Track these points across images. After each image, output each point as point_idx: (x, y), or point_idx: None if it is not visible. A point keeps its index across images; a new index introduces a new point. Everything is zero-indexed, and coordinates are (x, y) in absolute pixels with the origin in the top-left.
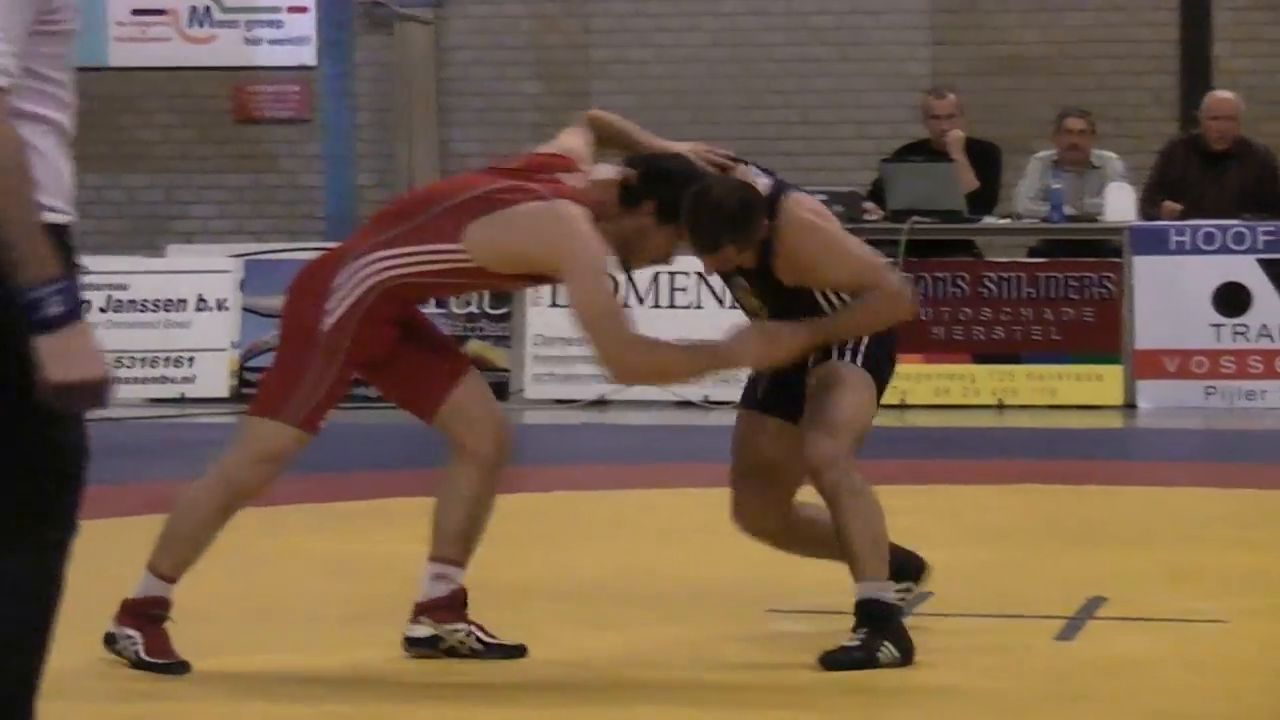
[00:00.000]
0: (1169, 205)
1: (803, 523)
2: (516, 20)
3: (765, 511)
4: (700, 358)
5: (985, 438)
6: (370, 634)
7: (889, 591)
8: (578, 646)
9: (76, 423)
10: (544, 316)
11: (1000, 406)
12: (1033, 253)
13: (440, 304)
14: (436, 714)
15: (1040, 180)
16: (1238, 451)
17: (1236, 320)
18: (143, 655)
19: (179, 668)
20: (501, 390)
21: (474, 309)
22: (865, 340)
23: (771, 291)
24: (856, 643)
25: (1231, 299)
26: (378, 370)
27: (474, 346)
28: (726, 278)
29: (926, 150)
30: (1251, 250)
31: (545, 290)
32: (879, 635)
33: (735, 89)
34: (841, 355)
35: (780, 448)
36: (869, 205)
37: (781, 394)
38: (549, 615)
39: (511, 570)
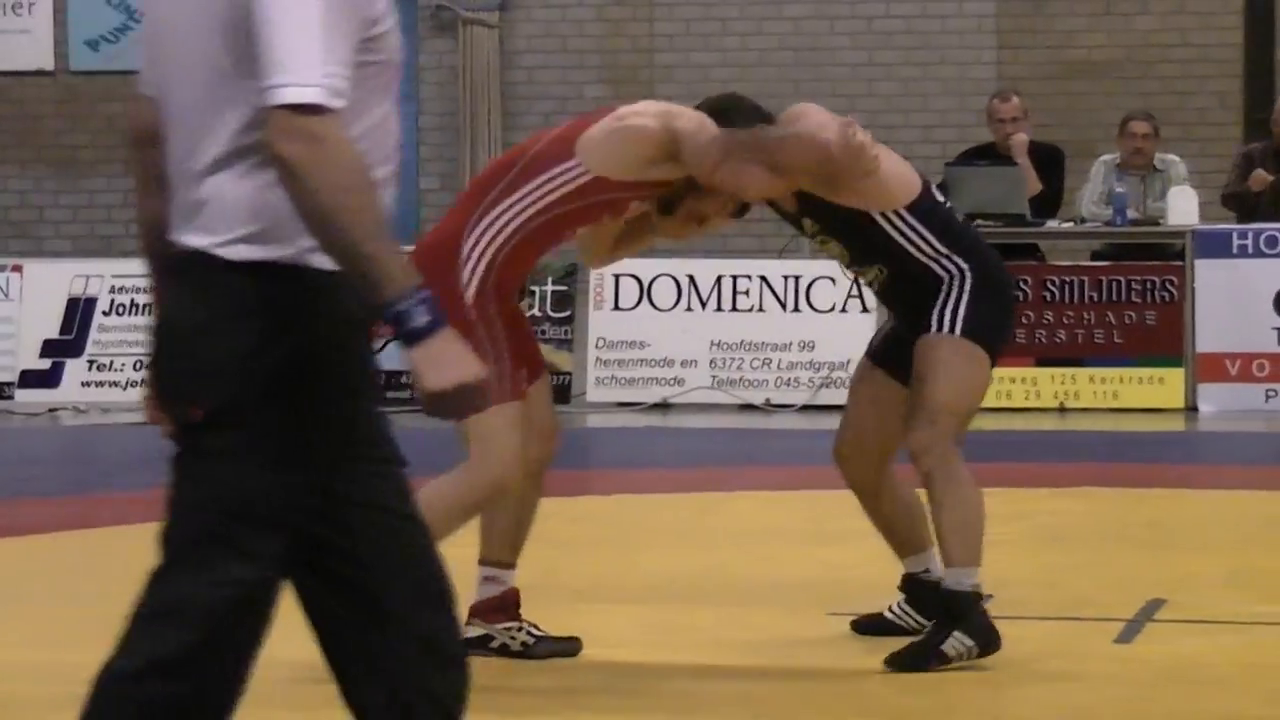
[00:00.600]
0: (1259, 175)
1: (896, 498)
2: (582, 24)
3: (863, 461)
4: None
5: (1047, 441)
6: None
7: (970, 580)
8: (641, 649)
9: None
10: (606, 319)
11: (1062, 409)
12: (1096, 256)
13: None
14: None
15: (1104, 184)
16: None
17: None
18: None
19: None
20: (564, 393)
21: (536, 312)
22: (964, 303)
23: (836, 227)
24: (923, 637)
25: None
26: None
27: None
28: (797, 225)
29: (991, 154)
30: None
31: (608, 294)
32: (949, 626)
33: (801, 93)
34: (940, 326)
35: (883, 401)
36: None
37: (895, 348)
38: (612, 617)
39: (575, 574)
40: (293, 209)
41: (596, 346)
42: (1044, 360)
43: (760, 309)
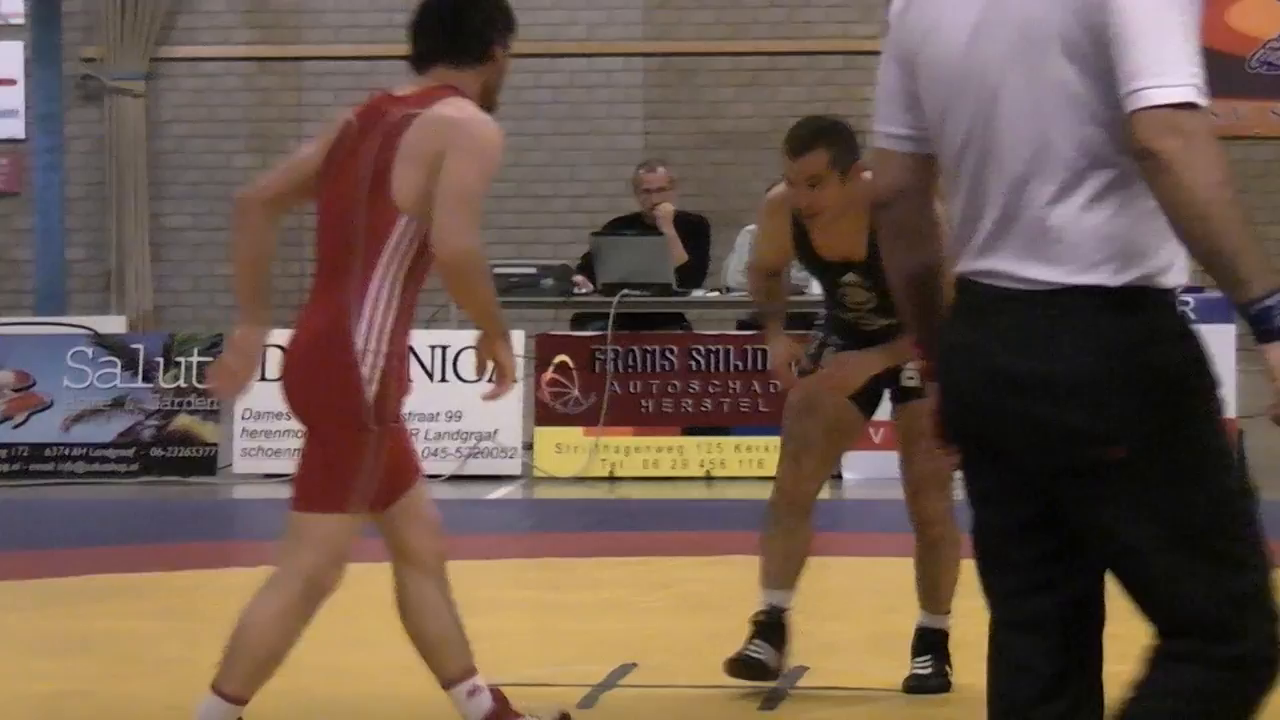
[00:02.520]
0: None
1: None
2: (230, 93)
3: (813, 481)
4: (497, 324)
5: (695, 509)
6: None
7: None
8: None
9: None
10: (254, 390)
11: (709, 478)
12: (742, 325)
13: (148, 378)
14: None
15: (750, 253)
16: None
17: None
18: None
19: None
20: (210, 465)
21: (182, 383)
22: None
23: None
24: (928, 670)
25: None
26: None
27: (183, 421)
28: (835, 275)
29: (639, 223)
30: None
31: None
32: (942, 660)
33: None
34: None
35: (834, 422)
36: (579, 279)
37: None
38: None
39: (219, 648)
40: (1163, 207)
41: (243, 418)
42: (690, 429)
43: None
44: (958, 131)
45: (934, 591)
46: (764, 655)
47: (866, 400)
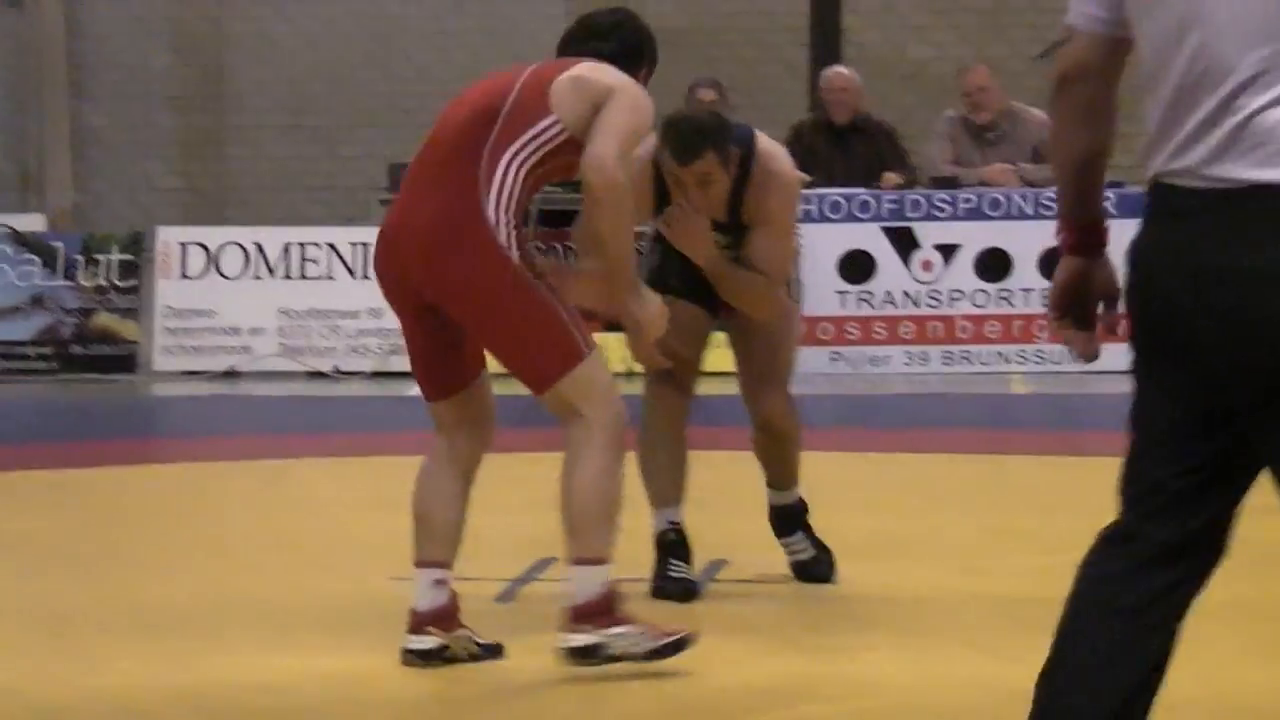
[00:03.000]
0: (889, 178)
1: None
2: None
3: (688, 395)
4: (626, 273)
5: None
6: None
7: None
8: (203, 619)
9: None
10: (174, 288)
11: (630, 375)
12: None
13: (68, 276)
14: None
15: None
16: (864, 417)
17: (861, 287)
18: (653, 644)
19: (689, 639)
20: (130, 362)
21: (102, 281)
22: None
23: (738, 240)
24: (807, 553)
25: (856, 266)
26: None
27: (102, 319)
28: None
29: None
30: (876, 219)
31: (175, 262)
32: (809, 533)
33: (372, 63)
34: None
35: (694, 331)
36: None
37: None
38: (173, 585)
39: (137, 543)
40: None
41: (164, 315)
42: (612, 325)
43: (329, 277)
44: (1169, 24)
45: (784, 470)
46: (686, 572)
47: (710, 305)
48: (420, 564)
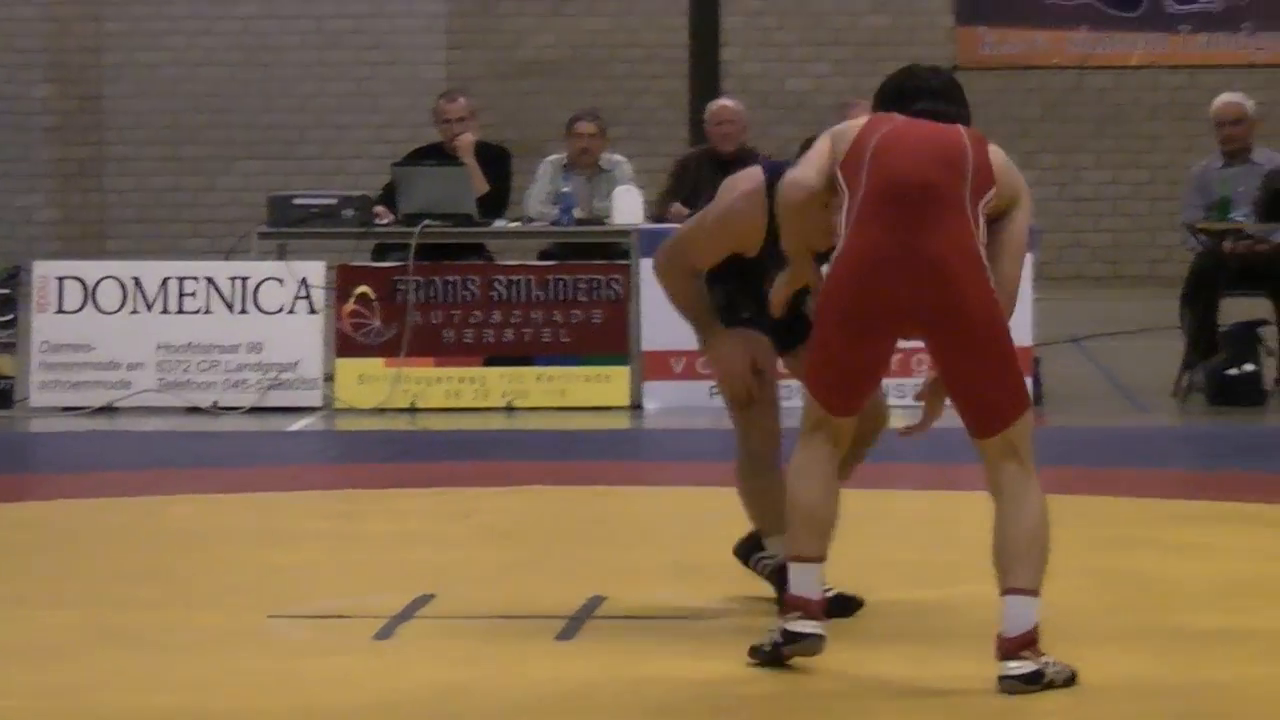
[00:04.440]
0: (678, 209)
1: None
2: (29, 23)
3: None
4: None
5: (496, 440)
6: None
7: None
8: (77, 655)
9: None
10: (50, 322)
11: (511, 408)
12: (543, 255)
13: None
14: None
15: (551, 183)
16: (722, 452)
17: None
18: (1072, 672)
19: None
20: (6, 398)
21: None
22: None
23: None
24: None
25: None
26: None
27: None
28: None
29: (439, 154)
30: None
31: (51, 296)
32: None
33: (252, 92)
34: None
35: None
36: (380, 209)
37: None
38: (51, 620)
39: (15, 580)
40: None
41: (40, 350)
42: (492, 360)
43: (208, 311)
44: None
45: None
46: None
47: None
48: (811, 559)
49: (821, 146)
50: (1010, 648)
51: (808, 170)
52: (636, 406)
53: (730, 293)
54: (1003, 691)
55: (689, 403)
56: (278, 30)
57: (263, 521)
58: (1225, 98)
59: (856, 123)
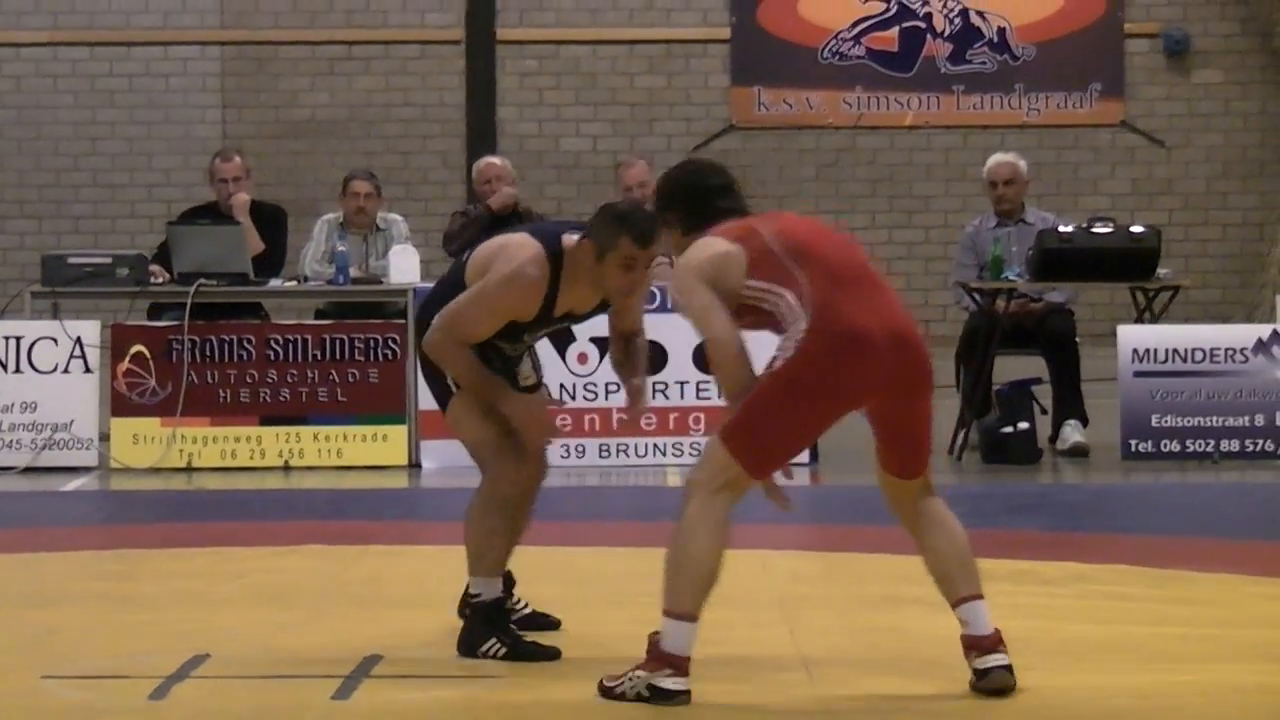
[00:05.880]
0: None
1: None
2: None
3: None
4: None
5: (272, 499)
6: None
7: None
8: None
9: None
10: None
11: (287, 468)
12: (320, 315)
13: None
14: None
15: (326, 242)
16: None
17: None
18: None
19: None
20: None
21: None
22: None
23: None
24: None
25: None
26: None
27: None
28: (550, 325)
29: (215, 213)
30: None
31: None
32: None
33: (22, 151)
34: None
35: None
36: (154, 268)
37: None
38: None
39: None
40: None
41: None
42: (268, 419)
43: (65, 370)
44: None
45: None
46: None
47: None
48: (695, 619)
49: (703, 297)
50: (990, 643)
51: (721, 330)
52: (415, 465)
53: (480, 349)
54: (995, 685)
55: (468, 461)
56: (49, 89)
57: (35, 583)
58: (998, 158)
59: (720, 245)
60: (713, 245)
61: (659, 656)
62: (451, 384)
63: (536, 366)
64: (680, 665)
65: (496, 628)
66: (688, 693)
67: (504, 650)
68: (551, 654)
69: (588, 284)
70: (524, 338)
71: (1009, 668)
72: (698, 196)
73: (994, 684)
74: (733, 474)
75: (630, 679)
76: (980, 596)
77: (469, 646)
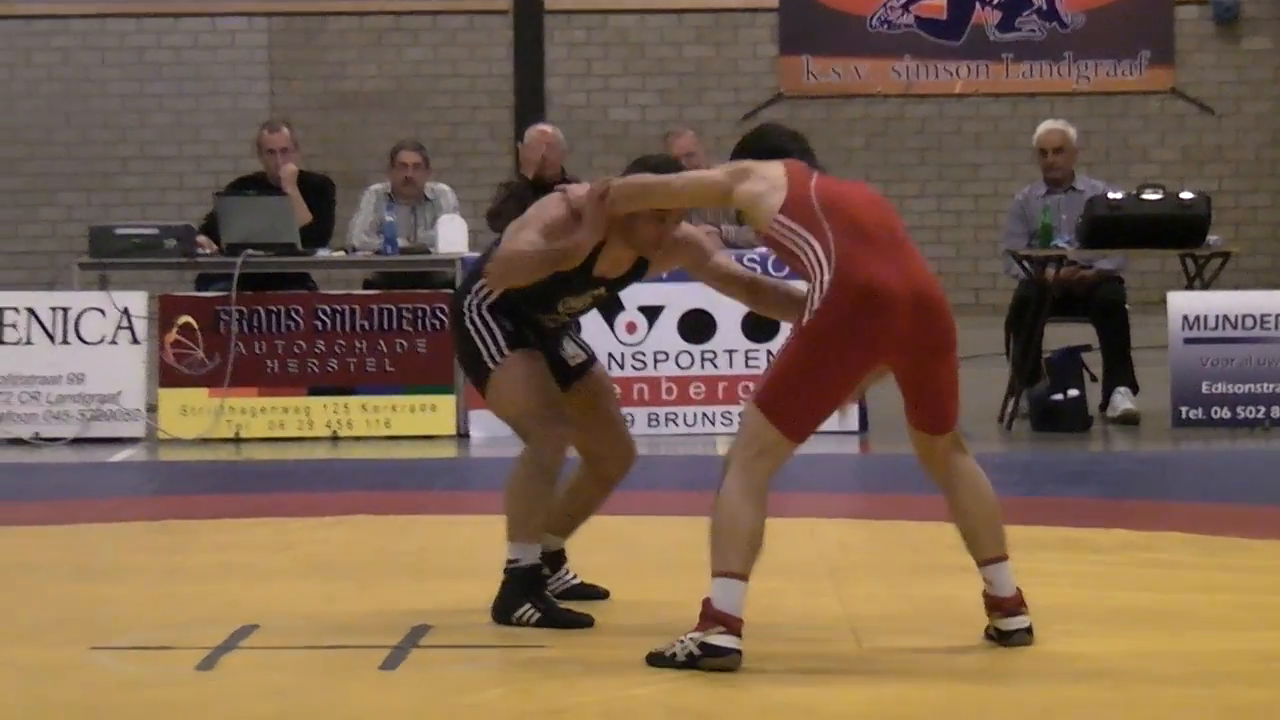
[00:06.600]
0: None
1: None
2: None
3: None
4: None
5: (319, 470)
6: None
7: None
8: None
9: None
10: None
11: (335, 438)
12: (368, 285)
13: None
14: None
15: (374, 213)
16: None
17: None
18: None
19: None
20: None
21: None
22: None
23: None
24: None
25: None
26: None
27: None
28: (587, 288)
29: (262, 184)
30: None
31: None
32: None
33: (71, 124)
34: None
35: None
36: (202, 240)
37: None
38: None
39: None
40: None
41: None
42: (316, 389)
43: (28, 341)
44: None
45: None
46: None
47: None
48: (745, 578)
49: (768, 178)
50: (1013, 603)
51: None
52: (463, 435)
53: (517, 324)
54: (1017, 643)
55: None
56: (98, 62)
57: (85, 554)
58: (1047, 125)
59: (774, 169)
60: (765, 169)
61: (711, 615)
62: (489, 359)
63: (584, 345)
64: (732, 624)
65: (531, 594)
66: (739, 652)
67: (537, 616)
68: (585, 621)
69: (620, 243)
70: (559, 307)
71: (1030, 629)
72: (771, 149)
73: (1017, 645)
74: (769, 439)
75: (680, 642)
76: (1006, 558)
77: (503, 612)
